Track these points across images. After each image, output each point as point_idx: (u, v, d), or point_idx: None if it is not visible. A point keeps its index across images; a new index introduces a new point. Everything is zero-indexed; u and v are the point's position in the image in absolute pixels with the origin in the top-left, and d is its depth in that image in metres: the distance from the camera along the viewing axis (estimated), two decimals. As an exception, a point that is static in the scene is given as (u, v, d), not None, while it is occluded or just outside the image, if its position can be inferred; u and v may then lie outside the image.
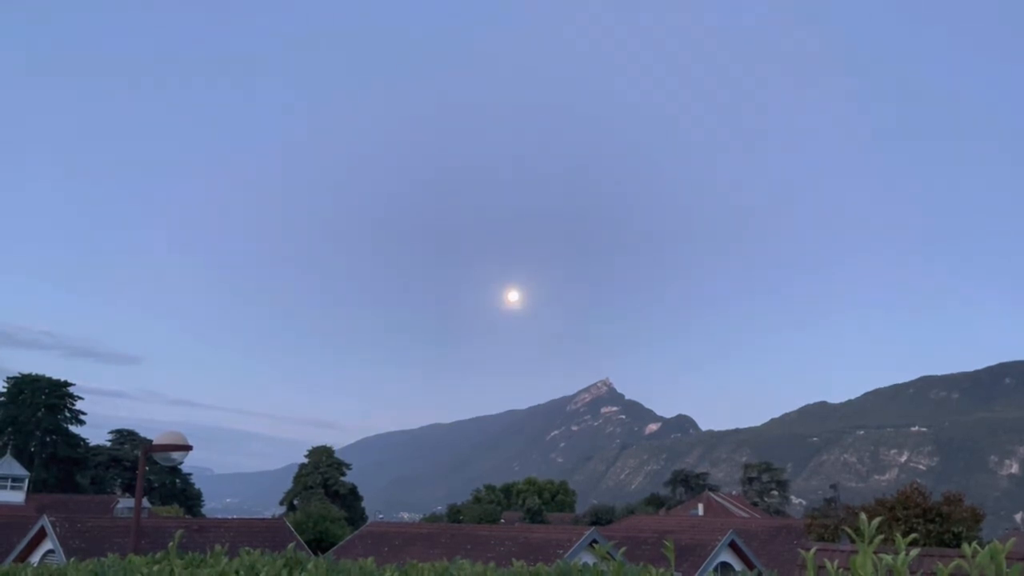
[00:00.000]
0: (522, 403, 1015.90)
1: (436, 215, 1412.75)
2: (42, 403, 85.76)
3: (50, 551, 32.12)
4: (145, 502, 63.40)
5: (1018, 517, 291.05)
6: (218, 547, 6.05)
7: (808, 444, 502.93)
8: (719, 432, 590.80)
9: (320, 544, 55.23)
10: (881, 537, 3.31)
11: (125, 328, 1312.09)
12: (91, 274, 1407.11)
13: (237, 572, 5.53)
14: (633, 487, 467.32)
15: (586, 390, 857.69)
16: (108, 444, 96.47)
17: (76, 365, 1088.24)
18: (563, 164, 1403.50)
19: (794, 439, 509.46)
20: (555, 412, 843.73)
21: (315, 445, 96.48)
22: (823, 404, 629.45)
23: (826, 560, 3.63)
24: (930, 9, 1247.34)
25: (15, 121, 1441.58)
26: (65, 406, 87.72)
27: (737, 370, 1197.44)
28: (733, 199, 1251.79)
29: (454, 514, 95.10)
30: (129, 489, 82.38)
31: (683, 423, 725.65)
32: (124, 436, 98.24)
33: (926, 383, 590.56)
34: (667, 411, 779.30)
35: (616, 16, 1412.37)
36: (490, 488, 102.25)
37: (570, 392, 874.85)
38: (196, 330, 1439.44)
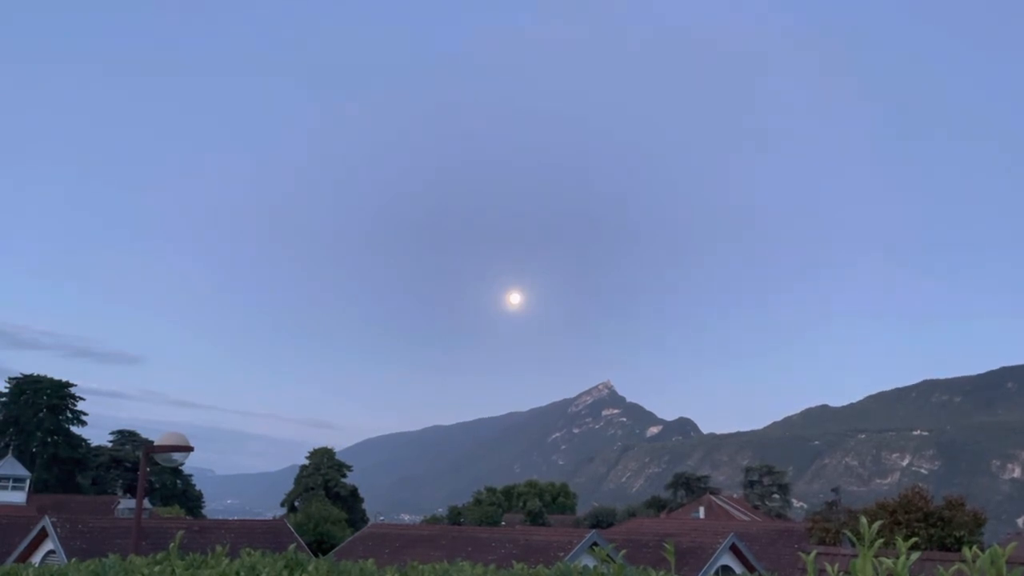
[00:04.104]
0: (523, 405, 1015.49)
1: (438, 217, 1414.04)
2: (44, 404, 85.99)
3: (51, 552, 32.16)
4: (146, 503, 63.39)
5: (1020, 521, 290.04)
6: (219, 548, 6.06)
7: (810, 447, 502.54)
8: (720, 435, 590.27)
9: (321, 545, 55.31)
10: (881, 540, 3.32)
11: (125, 328, 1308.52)
12: (91, 274, 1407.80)
13: (238, 573, 5.54)
14: (634, 489, 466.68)
15: (587, 392, 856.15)
16: (109, 445, 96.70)
17: (76, 365, 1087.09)
18: (565, 166, 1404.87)
19: (796, 442, 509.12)
20: (556, 414, 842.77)
21: (316, 446, 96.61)
22: (825, 407, 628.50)
23: (827, 564, 3.63)
24: (932, 9, 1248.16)
25: (15, 120, 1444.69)
26: (67, 407, 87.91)
27: (739, 373, 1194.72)
28: (736, 202, 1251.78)
29: (455, 516, 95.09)
30: (130, 490, 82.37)
31: (684, 425, 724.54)
32: (125, 437, 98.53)
33: (928, 386, 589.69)
34: (668, 413, 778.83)
35: (617, 18, 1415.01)
36: (491, 490, 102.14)
37: (571, 394, 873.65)
38: (197, 330, 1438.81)
